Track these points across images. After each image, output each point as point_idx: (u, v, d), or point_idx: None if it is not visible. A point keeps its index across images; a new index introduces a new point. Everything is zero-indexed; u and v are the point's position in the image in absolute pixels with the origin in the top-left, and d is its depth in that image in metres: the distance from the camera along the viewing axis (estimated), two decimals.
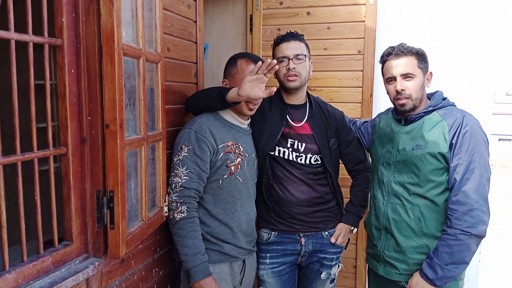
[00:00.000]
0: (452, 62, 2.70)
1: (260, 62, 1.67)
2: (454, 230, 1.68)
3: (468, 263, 1.73)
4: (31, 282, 1.22)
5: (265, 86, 1.94)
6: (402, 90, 1.79)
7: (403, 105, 1.81)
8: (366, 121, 2.21)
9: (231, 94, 1.74)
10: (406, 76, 1.80)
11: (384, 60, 1.89)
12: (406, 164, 1.82)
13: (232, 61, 1.95)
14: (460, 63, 2.68)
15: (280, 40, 2.01)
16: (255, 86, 1.70)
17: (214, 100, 1.80)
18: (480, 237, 1.70)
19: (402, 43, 1.85)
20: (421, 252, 1.80)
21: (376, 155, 1.99)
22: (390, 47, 1.87)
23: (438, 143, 1.75)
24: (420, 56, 1.82)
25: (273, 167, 2.03)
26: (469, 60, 2.67)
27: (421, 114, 1.82)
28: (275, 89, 1.71)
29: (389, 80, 1.86)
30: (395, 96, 1.83)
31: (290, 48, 1.97)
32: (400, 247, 1.83)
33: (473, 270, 2.74)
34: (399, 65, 1.80)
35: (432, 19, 2.69)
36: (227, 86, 1.92)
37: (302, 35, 2.04)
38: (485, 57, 2.65)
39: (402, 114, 1.87)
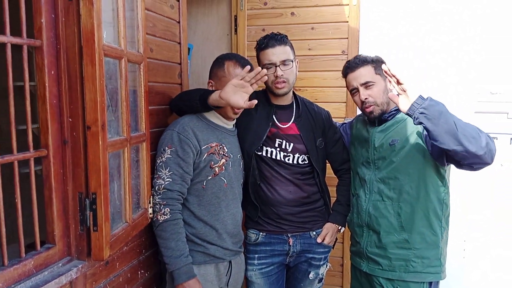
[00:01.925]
0: (437, 60, 2.73)
1: (248, 66, 1.65)
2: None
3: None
4: (13, 286, 1.20)
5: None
6: (366, 98, 1.87)
7: (371, 112, 1.89)
8: (345, 123, 2.26)
9: (214, 97, 1.72)
10: (366, 84, 1.87)
11: (345, 75, 1.97)
12: (385, 160, 1.86)
13: (219, 63, 1.90)
14: (442, 60, 2.72)
15: (264, 46, 1.96)
16: (238, 93, 1.66)
17: (197, 103, 1.78)
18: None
19: (357, 55, 1.96)
20: (402, 247, 1.84)
21: (356, 155, 2.03)
22: (347, 61, 1.97)
23: (413, 134, 1.81)
24: (376, 63, 1.90)
25: (260, 167, 2.03)
26: (451, 58, 2.71)
27: (393, 112, 1.90)
28: (255, 102, 1.68)
29: (353, 92, 1.94)
30: (361, 106, 1.91)
31: (276, 54, 1.93)
32: (381, 242, 1.87)
33: (458, 266, 2.78)
34: (357, 76, 1.89)
35: (414, 18, 2.72)
36: (213, 88, 1.89)
37: (286, 36, 2.02)
38: (467, 55, 2.69)
39: (373, 119, 1.92)
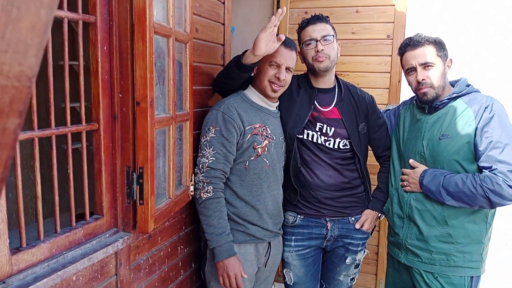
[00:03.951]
0: (489, 46, 2.62)
1: (274, 17, 1.70)
2: (479, 180, 1.66)
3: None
4: (64, 252, 1.26)
5: (294, 71, 1.94)
6: (423, 79, 1.79)
7: (425, 94, 1.81)
8: (388, 110, 2.19)
9: (247, 54, 1.77)
10: (425, 65, 1.80)
11: (402, 52, 1.89)
12: (432, 154, 1.80)
13: None
14: (497, 47, 2.60)
15: (305, 24, 1.99)
16: (269, 42, 1.72)
17: (234, 69, 1.82)
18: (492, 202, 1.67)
19: (418, 33, 1.85)
20: (444, 241, 1.79)
21: (402, 145, 1.97)
22: (407, 38, 1.88)
23: (464, 132, 1.73)
24: (438, 45, 1.81)
25: (301, 151, 2.01)
26: (506, 48, 2.59)
27: (445, 101, 1.82)
28: (283, 36, 1.75)
29: (409, 71, 1.86)
30: (417, 87, 1.83)
31: (317, 30, 1.94)
32: (422, 235, 1.82)
33: (500, 260, 2.69)
34: (418, 55, 1.81)
35: (467, 3, 2.61)
36: (256, 67, 1.91)
37: (327, 16, 2.02)
38: None
39: (425, 103, 1.85)
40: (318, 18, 1.97)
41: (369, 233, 2.12)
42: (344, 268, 2.12)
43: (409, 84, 1.90)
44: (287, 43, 1.85)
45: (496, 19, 2.55)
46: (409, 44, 1.84)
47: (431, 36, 1.83)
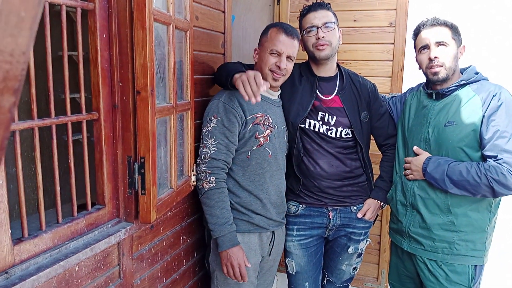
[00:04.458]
0: (489, 46, 2.59)
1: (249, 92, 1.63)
2: (483, 170, 1.65)
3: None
4: (66, 242, 1.25)
5: (296, 59, 1.91)
6: (435, 57, 1.78)
7: (436, 73, 1.80)
8: (394, 96, 2.17)
9: (235, 81, 1.72)
10: (439, 43, 1.79)
11: (417, 32, 1.88)
12: (437, 141, 1.80)
13: (265, 30, 1.91)
14: (497, 47, 2.57)
15: (306, 11, 1.97)
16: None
17: (228, 86, 1.79)
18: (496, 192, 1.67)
19: (436, 16, 1.86)
20: (447, 229, 1.79)
21: (406, 131, 1.95)
22: (424, 19, 1.88)
23: (471, 119, 1.72)
24: (454, 29, 1.82)
25: (303, 140, 2.00)
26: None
27: (453, 88, 1.80)
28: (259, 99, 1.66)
29: (422, 49, 1.85)
30: (428, 65, 1.82)
31: (318, 17, 1.93)
32: (426, 223, 1.82)
33: (504, 248, 2.69)
34: (433, 34, 1.81)
35: (465, 2, 2.58)
36: (257, 55, 1.89)
37: (329, 3, 2.00)
38: None
39: (434, 85, 1.84)
40: (319, 5, 1.96)
41: (372, 223, 2.12)
42: (346, 258, 2.11)
43: (420, 65, 1.88)
44: (288, 31, 1.82)
45: (496, 19, 2.52)
46: (426, 24, 1.84)
47: (447, 20, 1.84)
